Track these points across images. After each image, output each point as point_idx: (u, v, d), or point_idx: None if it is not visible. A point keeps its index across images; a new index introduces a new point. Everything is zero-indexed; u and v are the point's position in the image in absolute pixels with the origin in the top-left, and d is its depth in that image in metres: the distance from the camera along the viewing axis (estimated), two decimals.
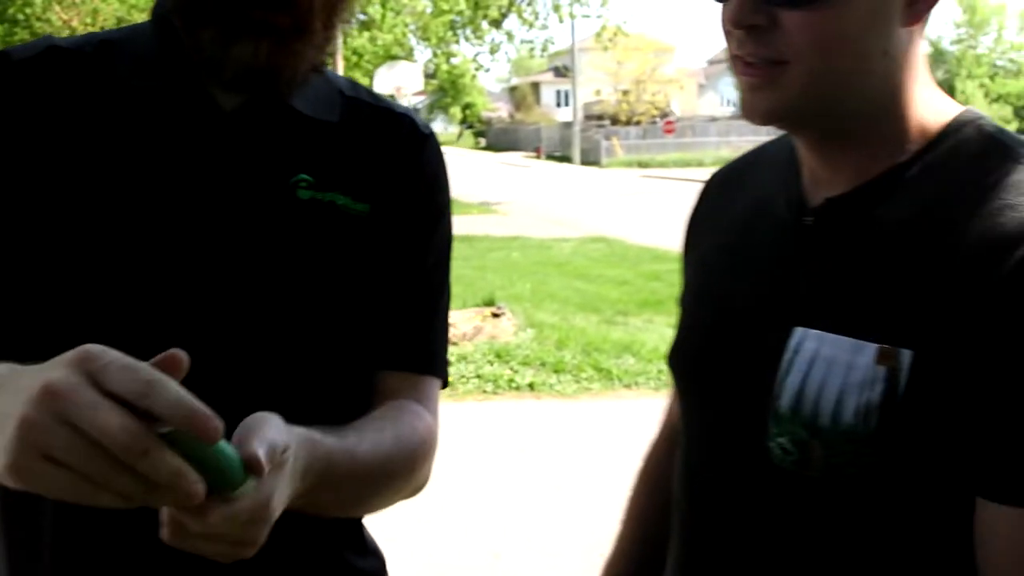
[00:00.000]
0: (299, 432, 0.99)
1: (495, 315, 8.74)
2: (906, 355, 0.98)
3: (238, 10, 1.12)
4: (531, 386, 7.26)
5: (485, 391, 7.17)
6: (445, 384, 1.43)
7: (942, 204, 1.04)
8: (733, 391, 1.14)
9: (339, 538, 1.35)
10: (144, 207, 1.16)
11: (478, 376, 7.35)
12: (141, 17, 7.73)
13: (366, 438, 1.18)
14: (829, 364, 1.03)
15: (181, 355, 0.82)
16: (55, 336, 0.96)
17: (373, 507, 1.30)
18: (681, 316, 1.35)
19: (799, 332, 1.07)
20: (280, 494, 0.92)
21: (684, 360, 1.28)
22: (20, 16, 8.25)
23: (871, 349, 1.00)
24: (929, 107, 1.11)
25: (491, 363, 7.62)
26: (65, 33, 7.63)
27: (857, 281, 1.06)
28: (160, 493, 0.77)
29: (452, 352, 6.70)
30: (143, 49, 1.22)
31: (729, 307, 1.20)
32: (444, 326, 1.43)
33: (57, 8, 7.90)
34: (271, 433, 0.90)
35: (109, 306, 1.14)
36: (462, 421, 6.50)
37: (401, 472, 1.28)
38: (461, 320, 8.42)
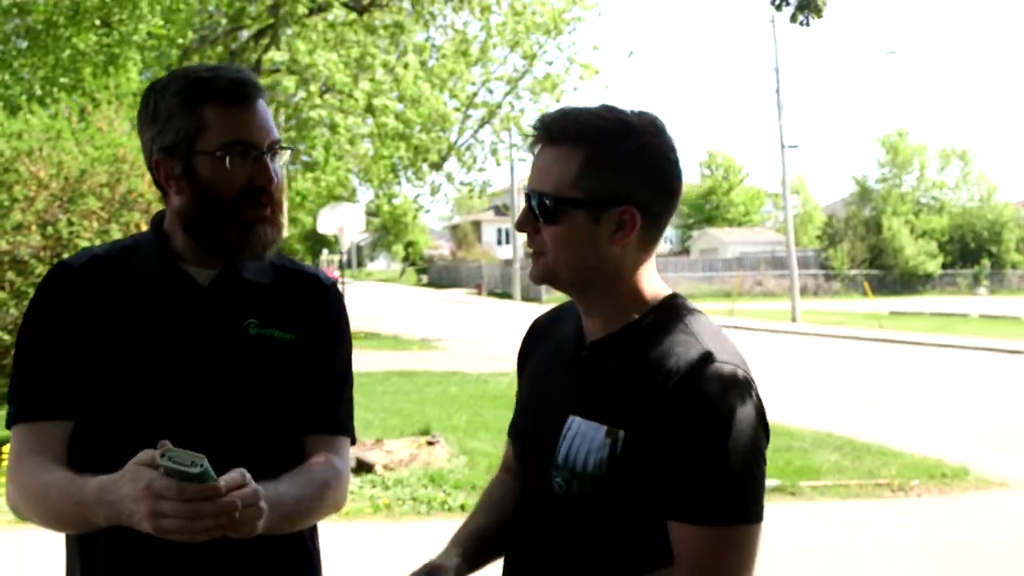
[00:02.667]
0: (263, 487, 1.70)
1: (430, 443, 9.22)
2: (621, 433, 1.74)
3: (252, 208, 1.96)
4: (462, 507, 7.60)
5: (419, 512, 7.55)
6: (354, 440, 2.21)
7: (646, 350, 1.79)
8: (537, 450, 1.89)
9: (286, 550, 2.07)
10: (157, 349, 1.96)
11: (413, 499, 7.73)
12: (102, 169, 8.38)
13: (297, 485, 1.94)
14: (583, 437, 1.78)
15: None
16: (111, 425, 1.92)
17: (306, 524, 2.07)
18: (516, 406, 2.09)
19: (571, 419, 1.81)
20: (262, 509, 1.67)
21: (514, 433, 2.06)
22: None
23: (603, 429, 1.76)
24: (649, 289, 1.87)
25: (425, 487, 8.01)
26: (33, 183, 8.24)
27: (601, 390, 1.81)
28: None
29: (389, 477, 7.24)
30: (147, 250, 2.04)
31: (539, 403, 1.97)
32: (350, 404, 2.19)
33: (26, 160, 8.49)
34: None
35: (140, 408, 1.94)
36: (398, 540, 6.96)
37: (321, 505, 2.03)
38: (398, 448, 8.88)
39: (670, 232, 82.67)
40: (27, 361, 1.96)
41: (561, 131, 1.80)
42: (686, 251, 72.75)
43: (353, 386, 2.20)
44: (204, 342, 1.98)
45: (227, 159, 1.91)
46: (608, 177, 1.76)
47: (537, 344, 2.11)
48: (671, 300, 1.88)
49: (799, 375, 17.96)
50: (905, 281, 57.66)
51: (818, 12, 6.16)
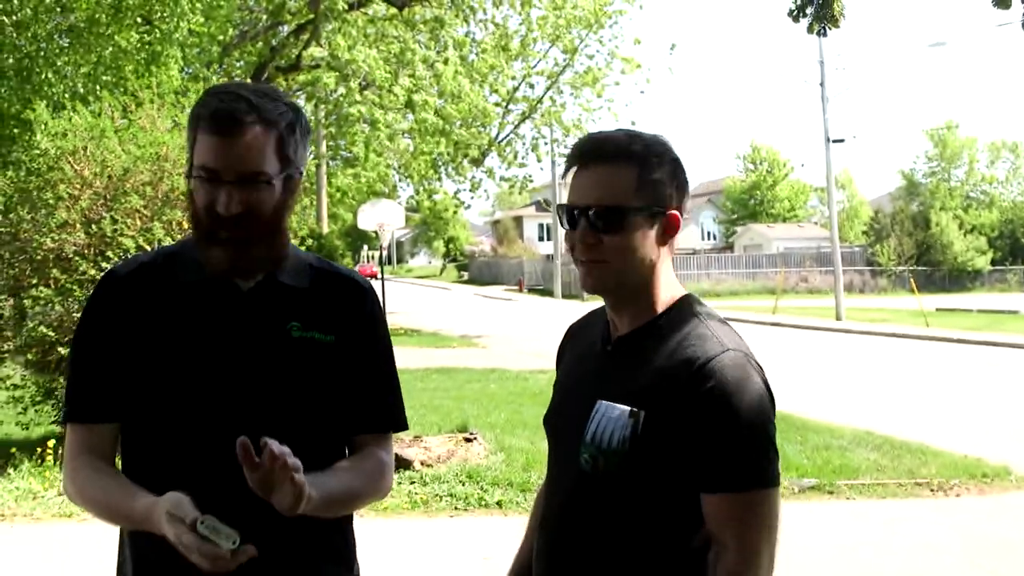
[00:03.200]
0: (310, 478, 1.86)
1: (468, 440, 9.25)
2: (642, 413, 1.96)
3: (210, 231, 2.04)
4: (499, 504, 7.66)
5: (456, 508, 7.57)
6: (406, 426, 2.35)
7: (666, 343, 2.04)
8: (567, 432, 2.09)
9: (325, 551, 2.22)
10: (202, 353, 2.08)
11: (450, 495, 7.76)
12: (145, 167, 8.46)
13: (347, 475, 2.12)
14: (608, 418, 2.00)
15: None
16: (139, 421, 2.09)
17: (354, 510, 2.26)
18: (551, 401, 2.30)
19: (599, 403, 2.03)
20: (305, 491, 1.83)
21: (548, 420, 2.27)
22: (34, 165, 8.91)
23: (627, 411, 1.98)
24: (668, 289, 2.11)
25: (462, 483, 8.04)
26: (77, 181, 8.34)
27: (625, 378, 2.04)
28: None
29: (427, 473, 7.27)
30: (190, 256, 2.14)
31: (570, 393, 2.21)
32: (398, 397, 2.32)
33: (70, 159, 8.59)
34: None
35: (187, 410, 2.07)
36: (435, 536, 7.00)
37: (368, 493, 2.21)
38: (436, 445, 8.90)
39: (713, 228, 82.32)
40: (78, 365, 2.14)
41: (615, 149, 2.04)
42: (730, 247, 72.29)
43: (398, 379, 2.34)
44: (248, 345, 2.11)
45: (195, 182, 2.06)
46: (658, 187, 2.04)
47: (571, 344, 2.35)
48: (686, 299, 2.13)
49: (841, 373, 17.82)
50: (953, 277, 56.93)
51: (835, 22, 6.15)
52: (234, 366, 2.08)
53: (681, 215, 2.08)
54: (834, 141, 34.50)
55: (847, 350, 22.46)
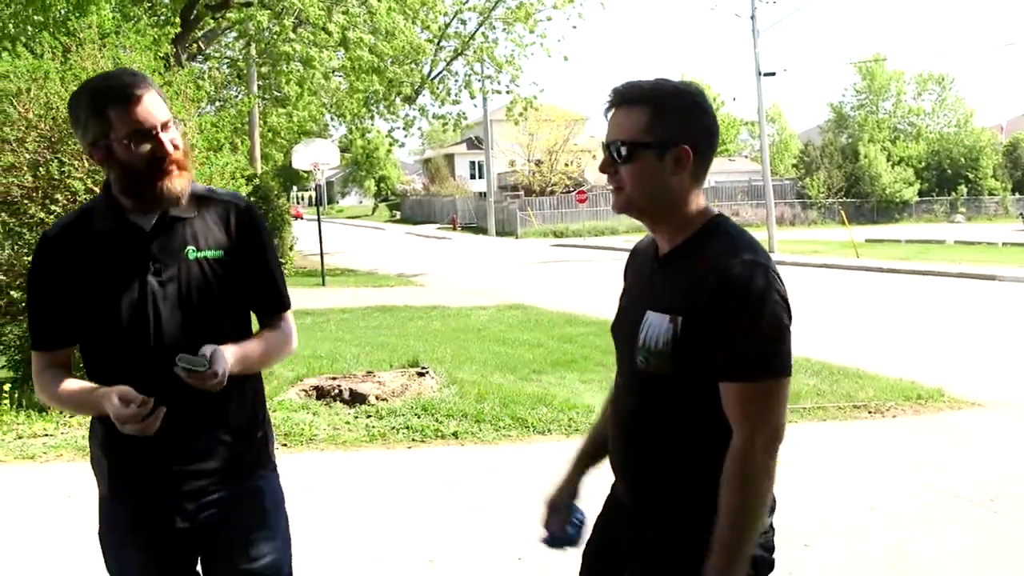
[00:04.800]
0: (229, 346, 2.65)
1: (420, 374, 9.39)
2: (680, 319, 2.34)
3: (141, 192, 2.65)
4: (455, 434, 7.83)
5: (414, 440, 7.72)
6: (290, 305, 2.98)
7: (699, 257, 2.39)
8: (627, 339, 2.51)
9: (254, 458, 2.89)
10: (123, 282, 2.67)
11: (407, 427, 7.91)
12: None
13: (263, 341, 2.85)
14: (655, 326, 2.39)
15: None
16: (90, 341, 2.73)
17: (271, 366, 3.09)
18: (617, 308, 2.71)
19: (648, 313, 2.42)
20: (225, 363, 2.56)
21: (613, 328, 2.67)
22: None
23: (668, 318, 2.37)
24: (700, 210, 2.48)
25: (418, 416, 8.18)
26: (22, 124, 8.28)
27: (667, 290, 2.43)
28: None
29: (382, 407, 7.41)
30: (101, 211, 2.73)
31: (628, 306, 2.62)
32: (283, 280, 2.96)
33: (13, 101, 8.50)
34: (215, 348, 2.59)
35: (121, 326, 2.66)
36: (394, 468, 7.17)
37: (281, 352, 2.93)
38: (389, 379, 9.03)
39: None
40: (34, 308, 2.79)
41: (633, 95, 2.42)
42: None
43: (281, 269, 2.96)
44: (157, 270, 2.69)
45: (131, 144, 2.60)
46: (668, 125, 2.39)
47: (632, 263, 2.74)
48: (718, 219, 2.48)
49: None
50: (882, 209, 58.00)
51: None
52: (151, 289, 2.67)
53: (696, 151, 2.40)
54: (765, 75, 34.79)
55: None
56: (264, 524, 2.85)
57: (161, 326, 2.66)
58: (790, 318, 2.33)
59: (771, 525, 2.46)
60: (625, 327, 2.54)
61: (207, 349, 2.55)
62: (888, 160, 59.72)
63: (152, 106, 2.62)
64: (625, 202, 2.46)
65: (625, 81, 2.46)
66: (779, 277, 2.33)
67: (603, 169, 2.47)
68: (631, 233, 48.15)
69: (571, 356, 11.58)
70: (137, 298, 2.66)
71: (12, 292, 8.20)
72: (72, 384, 2.72)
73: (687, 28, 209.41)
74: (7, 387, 8.36)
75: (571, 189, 57.86)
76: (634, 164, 2.40)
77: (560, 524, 2.81)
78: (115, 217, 2.69)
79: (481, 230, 54.58)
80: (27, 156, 8.35)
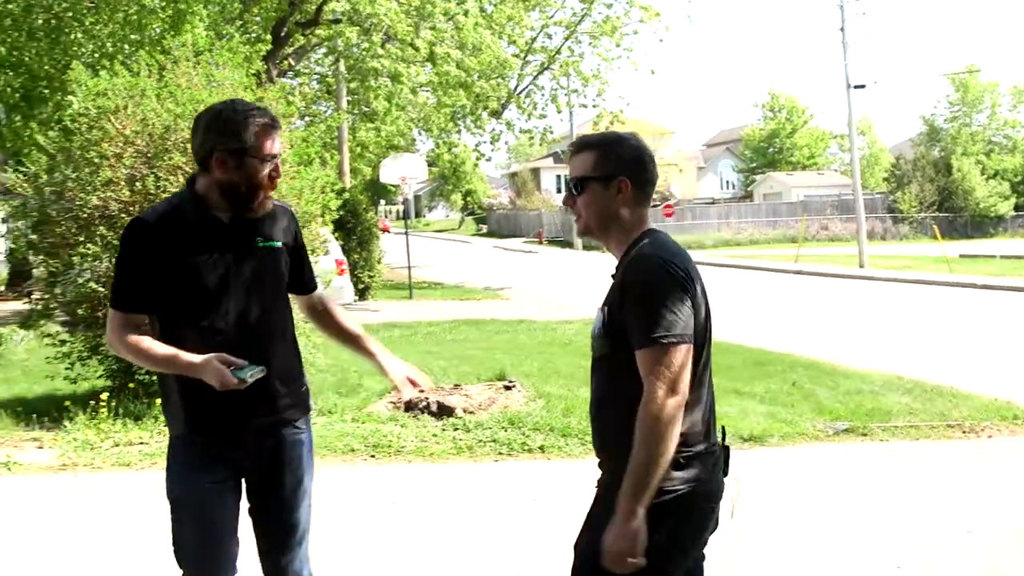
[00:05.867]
0: (372, 343, 3.84)
1: (507, 387, 9.41)
2: (606, 309, 2.97)
3: (238, 200, 3.36)
4: (542, 448, 7.84)
5: (500, 453, 7.76)
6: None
7: (624, 262, 2.99)
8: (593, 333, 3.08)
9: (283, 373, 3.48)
10: (204, 263, 3.29)
11: (494, 440, 7.95)
12: (184, 124, 8.56)
13: (347, 319, 3.89)
14: (599, 318, 3.00)
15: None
16: (172, 309, 3.32)
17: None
18: None
19: (598, 310, 3.02)
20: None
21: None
22: (75, 125, 9.02)
23: (601, 310, 2.99)
24: (635, 231, 3.04)
25: (505, 429, 8.21)
26: (120, 140, 8.48)
27: (609, 292, 2.99)
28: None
29: (469, 420, 7.43)
30: (189, 204, 3.35)
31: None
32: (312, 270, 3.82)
33: (111, 118, 8.71)
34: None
35: (200, 300, 3.30)
36: (480, 481, 7.18)
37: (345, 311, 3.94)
38: (476, 392, 9.07)
39: (732, 177, 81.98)
40: (120, 274, 3.33)
41: (582, 145, 3.10)
42: (749, 196, 72.06)
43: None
44: (233, 255, 3.35)
45: (262, 162, 3.31)
46: (610, 163, 3.03)
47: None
48: (646, 233, 3.04)
49: (868, 320, 17.93)
50: (976, 223, 56.55)
51: None
52: (227, 268, 3.32)
53: (634, 182, 3.03)
54: (855, 87, 34.34)
55: (872, 297, 22.54)
56: (302, 465, 3.54)
57: (236, 297, 3.33)
58: (684, 293, 2.84)
59: (679, 478, 2.86)
60: (593, 327, 3.11)
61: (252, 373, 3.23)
62: (982, 173, 58.22)
63: (278, 141, 3.37)
64: (582, 228, 3.11)
65: (581, 136, 3.18)
66: (669, 261, 2.87)
67: (564, 203, 3.20)
68: (718, 248, 47.77)
69: None
70: (219, 275, 3.31)
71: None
72: (157, 345, 3.27)
73: (774, 40, 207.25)
74: (104, 396, 8.55)
75: (657, 203, 57.58)
76: (585, 195, 3.05)
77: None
78: (201, 211, 3.33)
79: (567, 244, 54.53)
80: (124, 171, 8.54)
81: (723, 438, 3.11)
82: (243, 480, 3.44)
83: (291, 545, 3.54)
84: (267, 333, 3.40)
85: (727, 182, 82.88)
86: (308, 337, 9.61)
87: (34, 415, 8.97)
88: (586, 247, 51.64)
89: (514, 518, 6.28)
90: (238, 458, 3.39)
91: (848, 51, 34.29)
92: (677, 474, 2.84)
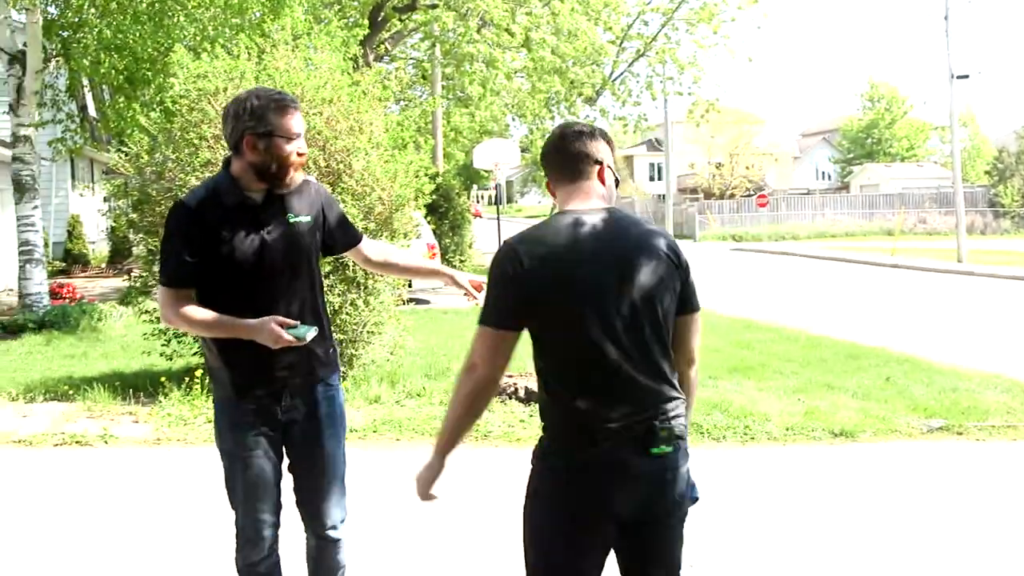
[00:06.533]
0: (435, 263, 4.73)
1: None
2: None
3: (269, 178, 3.66)
4: None
5: None
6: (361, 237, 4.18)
7: None
8: None
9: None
10: (242, 239, 3.61)
11: None
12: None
13: (397, 251, 4.60)
14: None
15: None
16: (214, 282, 3.62)
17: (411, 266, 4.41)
18: None
19: None
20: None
21: None
22: (176, 107, 9.20)
23: None
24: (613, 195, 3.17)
25: None
26: (218, 122, 8.63)
27: None
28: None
29: None
30: (225, 186, 3.65)
31: None
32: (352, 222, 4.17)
33: (211, 101, 8.86)
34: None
35: (240, 272, 3.61)
36: None
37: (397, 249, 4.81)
38: None
39: (828, 168, 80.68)
40: (167, 254, 3.64)
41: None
42: (845, 187, 70.86)
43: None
44: (267, 230, 3.65)
45: (288, 141, 3.61)
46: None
47: None
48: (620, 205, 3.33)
49: (966, 317, 17.50)
50: None
51: None
52: (262, 243, 3.63)
53: (547, 172, 3.27)
54: (958, 77, 33.47)
55: (970, 293, 21.99)
56: (336, 418, 3.89)
57: (270, 269, 3.64)
58: (509, 272, 2.89)
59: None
60: None
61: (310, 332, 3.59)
62: None
63: (300, 120, 3.68)
64: None
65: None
66: (511, 245, 2.94)
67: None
68: (812, 239, 47.06)
69: (748, 363, 11.38)
70: (256, 249, 3.62)
71: None
72: (209, 313, 3.59)
73: (874, 28, 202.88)
74: (198, 373, 8.73)
75: (751, 193, 56.95)
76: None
77: None
78: (236, 193, 3.63)
79: None
80: (222, 153, 8.68)
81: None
82: (283, 433, 3.79)
83: (329, 492, 3.89)
84: (299, 301, 3.74)
85: (823, 173, 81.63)
86: (398, 320, 9.73)
87: (131, 390, 9.22)
88: (677, 236, 51.16)
89: None
90: (278, 414, 3.74)
91: (951, 40, 33.46)
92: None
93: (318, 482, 3.88)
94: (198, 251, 3.57)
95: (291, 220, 3.72)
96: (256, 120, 3.58)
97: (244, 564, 3.84)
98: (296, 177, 3.69)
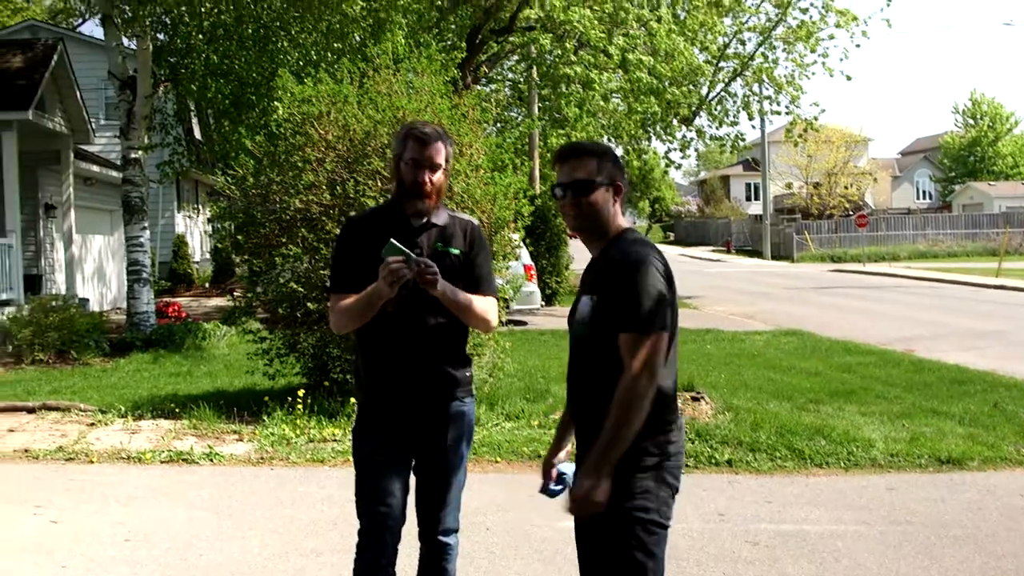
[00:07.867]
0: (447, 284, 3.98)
1: (695, 399, 9.31)
2: (595, 297, 3.33)
3: (410, 199, 4.03)
4: (729, 462, 7.75)
5: (687, 466, 7.57)
6: (498, 299, 4.31)
7: (606, 257, 3.40)
8: (573, 316, 3.48)
9: (448, 359, 4.07)
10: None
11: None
12: (384, 131, 8.80)
13: (470, 297, 4.02)
14: (584, 303, 3.39)
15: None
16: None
17: (469, 316, 4.02)
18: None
19: (583, 297, 3.43)
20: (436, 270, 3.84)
21: (569, 315, 3.57)
22: (281, 130, 9.38)
23: (590, 298, 3.36)
24: (618, 226, 3.47)
25: (692, 441, 8.10)
26: (322, 145, 8.79)
27: (591, 283, 3.44)
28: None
29: None
30: (388, 210, 4.13)
31: (576, 296, 3.57)
32: (492, 279, 4.23)
33: (315, 124, 9.02)
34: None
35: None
36: None
37: (479, 312, 4.02)
38: None
39: (929, 187, 79.12)
40: (336, 264, 4.10)
41: (583, 151, 3.49)
42: (947, 206, 69.34)
43: (491, 269, 4.24)
44: (418, 254, 3.81)
45: (420, 168, 3.94)
46: (608, 169, 3.45)
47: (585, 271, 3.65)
48: (624, 231, 3.46)
49: None
50: None
51: None
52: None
53: (624, 187, 3.49)
54: None
55: None
56: (463, 436, 4.08)
57: (413, 287, 3.82)
58: (667, 285, 3.25)
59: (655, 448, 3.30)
60: (572, 311, 3.50)
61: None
62: None
63: (435, 152, 3.97)
64: (580, 226, 3.45)
65: (571, 142, 3.70)
66: (653, 255, 3.28)
67: (562, 207, 3.51)
68: (913, 260, 46.14)
69: (850, 386, 11.18)
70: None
71: (309, 303, 8.69)
72: (353, 298, 3.90)
73: (977, 42, 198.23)
74: (301, 392, 8.86)
75: (850, 213, 56.00)
76: (592, 195, 3.41)
77: (548, 481, 3.62)
78: (397, 217, 4.01)
79: (756, 253, 53.66)
80: (325, 175, 8.84)
81: None
82: (411, 443, 4.01)
83: (448, 500, 4.10)
84: (437, 316, 3.96)
85: (923, 192, 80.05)
86: (497, 342, 9.77)
87: (234, 408, 9.39)
88: (775, 256, 50.68)
89: (701, 533, 6.20)
90: (408, 425, 3.98)
91: None
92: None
93: (439, 492, 4.07)
94: (354, 262, 3.96)
95: (439, 247, 4.01)
96: (395, 148, 4.05)
97: (361, 567, 3.96)
98: (425, 205, 3.99)
